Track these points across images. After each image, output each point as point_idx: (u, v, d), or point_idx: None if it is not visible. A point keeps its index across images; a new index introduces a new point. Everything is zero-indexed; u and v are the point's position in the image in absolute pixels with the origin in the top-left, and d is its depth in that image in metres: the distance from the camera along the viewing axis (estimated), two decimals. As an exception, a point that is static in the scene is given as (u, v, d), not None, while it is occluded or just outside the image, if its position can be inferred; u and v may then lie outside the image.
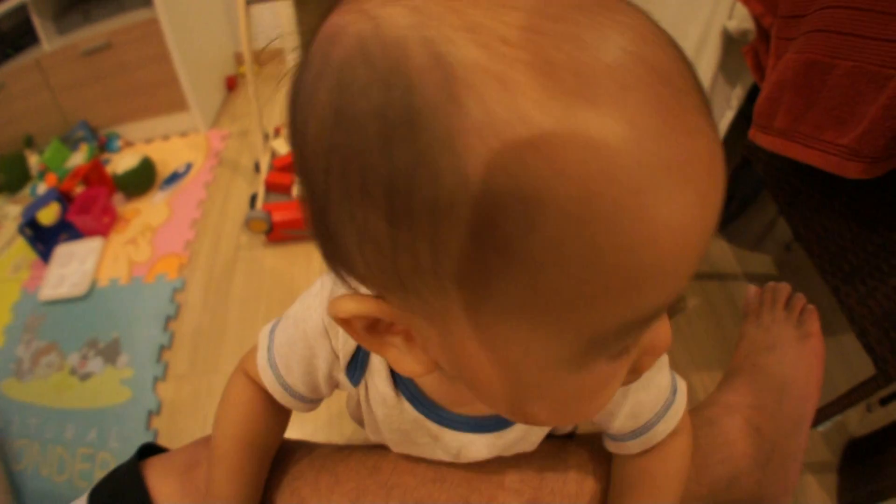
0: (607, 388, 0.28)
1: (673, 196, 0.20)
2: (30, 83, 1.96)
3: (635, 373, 0.29)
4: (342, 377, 0.42)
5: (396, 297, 0.26)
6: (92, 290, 1.55)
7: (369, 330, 0.29)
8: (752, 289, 0.79)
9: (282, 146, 1.64)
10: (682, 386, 0.45)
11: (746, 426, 0.60)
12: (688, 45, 1.17)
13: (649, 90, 0.20)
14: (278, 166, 1.57)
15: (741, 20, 0.98)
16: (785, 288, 0.77)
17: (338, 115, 0.22)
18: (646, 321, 0.24)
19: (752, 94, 1.08)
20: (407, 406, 0.41)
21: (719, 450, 0.57)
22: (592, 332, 0.23)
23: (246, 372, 0.48)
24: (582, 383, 0.26)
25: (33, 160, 2.04)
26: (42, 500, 1.19)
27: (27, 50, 1.99)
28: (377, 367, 0.40)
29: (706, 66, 1.12)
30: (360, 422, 0.48)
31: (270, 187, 1.53)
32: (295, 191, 1.51)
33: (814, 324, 0.74)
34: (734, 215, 1.40)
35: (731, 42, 1.06)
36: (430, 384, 0.40)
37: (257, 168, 1.72)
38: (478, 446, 0.42)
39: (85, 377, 1.38)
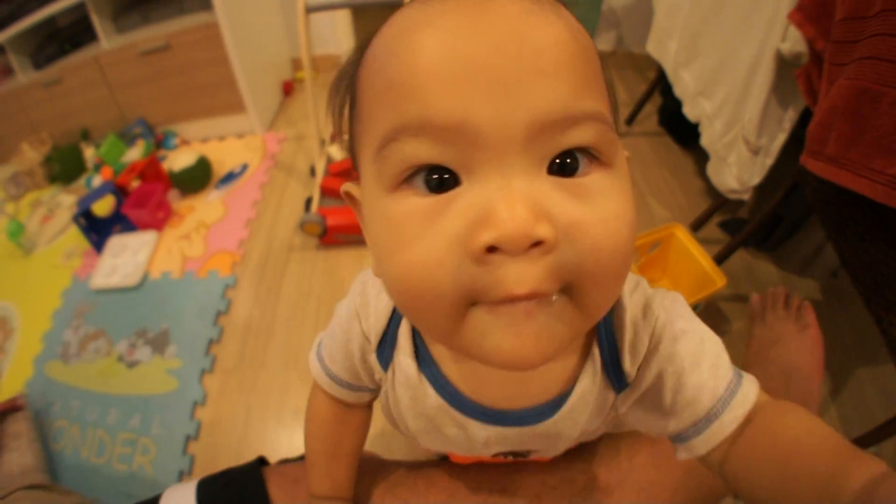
0: (407, 236, 0.27)
1: (434, 32, 0.26)
2: (87, 79, 2.03)
3: (469, 250, 0.25)
4: (373, 360, 0.43)
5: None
6: (144, 281, 1.58)
7: (355, 204, 0.36)
8: (756, 296, 0.91)
9: (337, 152, 1.68)
10: (749, 376, 0.38)
11: None
12: (741, 67, 1.20)
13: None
14: (333, 171, 1.60)
15: (794, 42, 0.99)
16: (782, 290, 0.88)
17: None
18: (417, 128, 0.26)
19: (804, 118, 1.08)
20: (430, 391, 0.40)
21: None
22: (380, 138, 0.27)
23: (318, 385, 0.51)
24: (394, 214, 0.27)
25: (89, 153, 2.10)
26: (78, 479, 1.21)
27: (85, 47, 2.08)
28: (403, 344, 0.41)
29: (759, 87, 1.13)
30: (392, 420, 0.48)
31: (325, 192, 1.57)
32: (350, 196, 1.54)
33: (810, 316, 0.86)
34: (783, 238, 1.39)
35: (784, 65, 1.07)
36: (448, 364, 0.40)
37: (312, 172, 1.75)
38: (505, 439, 0.41)
39: (132, 365, 1.40)
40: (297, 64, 2.51)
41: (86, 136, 2.14)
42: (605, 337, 0.37)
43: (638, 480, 0.55)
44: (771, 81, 1.10)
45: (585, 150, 0.26)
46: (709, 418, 0.35)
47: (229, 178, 1.88)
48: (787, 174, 1.09)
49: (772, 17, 1.05)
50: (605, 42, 2.36)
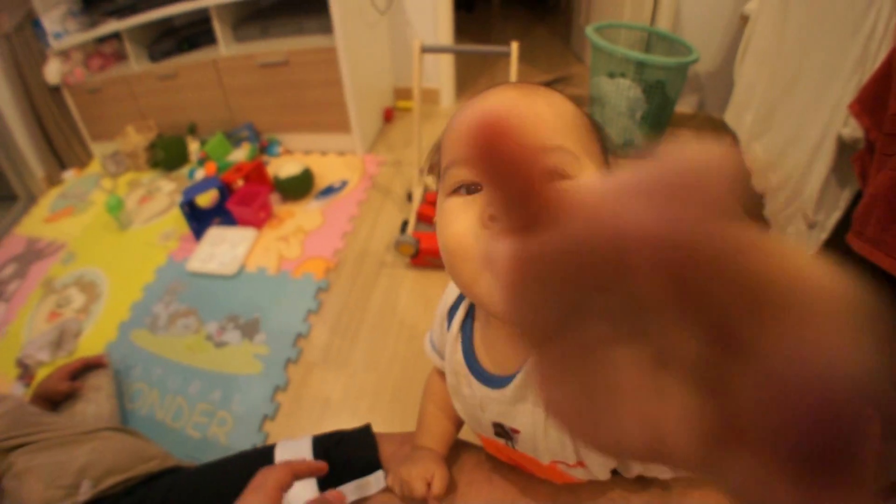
0: (447, 219, 0.42)
1: (471, 112, 0.42)
2: (203, 78, 2.20)
3: (481, 220, 0.40)
4: (445, 320, 0.59)
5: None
6: (240, 272, 1.71)
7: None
8: None
9: (434, 182, 1.81)
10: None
11: None
12: (807, 145, 1.29)
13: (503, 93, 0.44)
14: (430, 200, 1.74)
15: (854, 129, 1.08)
16: None
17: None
18: (460, 162, 0.41)
19: (856, 200, 1.15)
20: (459, 348, 0.55)
21: None
22: (444, 167, 0.43)
23: (434, 395, 0.69)
24: (448, 207, 0.42)
25: (193, 147, 2.26)
26: (149, 434, 1.29)
27: (201, 48, 2.25)
28: (458, 315, 0.56)
29: (821, 166, 1.22)
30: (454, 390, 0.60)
31: (420, 217, 1.69)
32: (443, 225, 1.67)
33: None
34: None
35: (844, 148, 1.15)
36: (477, 333, 0.54)
37: (409, 198, 1.88)
38: (490, 401, 0.53)
39: (220, 345, 1.50)
40: (398, 93, 2.67)
41: (192, 130, 2.30)
42: None
43: None
44: (831, 162, 1.19)
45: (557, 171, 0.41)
46: None
47: (329, 191, 2.02)
48: (837, 250, 1.19)
49: (837, 103, 1.14)
50: (688, 105, 2.46)
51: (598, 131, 0.46)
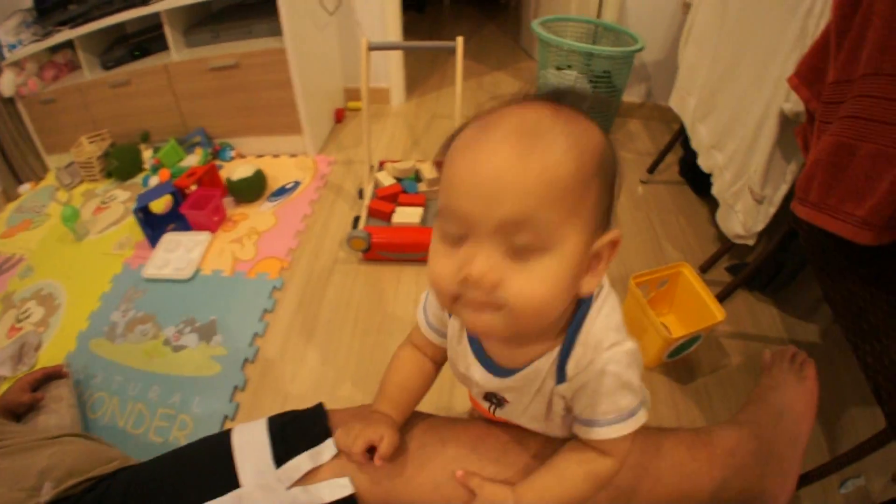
0: (434, 260, 0.49)
1: (464, 163, 0.45)
2: (155, 85, 2.19)
3: (456, 279, 0.46)
4: (446, 315, 0.67)
5: None
6: (195, 276, 1.72)
7: None
8: (767, 353, 1.07)
9: (385, 178, 1.84)
10: (638, 421, 0.57)
11: (749, 434, 0.86)
12: (750, 123, 1.33)
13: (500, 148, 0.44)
14: (381, 195, 1.76)
15: (795, 103, 1.12)
16: (791, 348, 1.04)
17: None
18: (450, 213, 0.45)
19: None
20: (464, 338, 0.63)
21: (727, 446, 0.82)
22: (439, 208, 0.47)
23: (410, 341, 0.75)
24: (437, 248, 0.48)
25: (147, 154, 2.25)
26: (113, 441, 1.29)
27: (153, 55, 2.24)
28: None
29: (765, 142, 1.26)
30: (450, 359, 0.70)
31: (372, 213, 1.72)
32: (393, 218, 1.70)
33: (810, 370, 1.02)
34: (785, 283, 1.49)
35: (786, 122, 1.19)
36: None
37: (360, 194, 1.91)
38: (477, 373, 0.63)
39: (178, 349, 1.51)
40: (349, 94, 2.69)
41: (146, 138, 2.29)
42: (566, 347, 0.55)
43: (680, 469, 0.76)
44: (775, 137, 1.22)
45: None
46: (590, 424, 0.57)
47: (281, 192, 2.04)
48: (786, 223, 1.22)
49: (778, 80, 1.18)
50: (636, 94, 2.53)
51: (604, 177, 0.48)
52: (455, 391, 1.30)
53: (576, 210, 0.45)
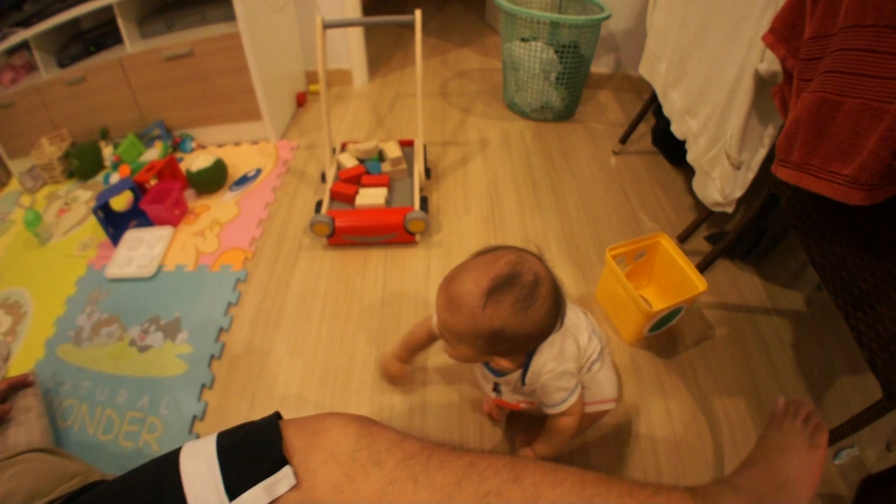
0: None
1: (442, 304, 0.85)
2: (111, 80, 2.12)
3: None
4: None
5: None
6: (159, 272, 1.67)
7: None
8: (781, 400, 0.93)
9: (347, 160, 1.78)
10: (570, 401, 0.96)
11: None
12: (724, 86, 1.29)
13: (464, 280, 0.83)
14: (343, 178, 1.71)
15: (770, 63, 1.08)
16: (808, 404, 0.91)
17: None
18: (442, 322, 0.86)
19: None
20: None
21: None
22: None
23: (429, 317, 1.15)
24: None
25: (107, 151, 2.19)
26: (84, 454, 1.24)
27: (109, 49, 2.17)
28: None
29: (740, 105, 1.22)
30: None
31: (335, 196, 1.67)
32: (357, 200, 1.64)
33: (822, 438, 0.88)
34: (766, 251, 1.48)
35: (762, 84, 1.15)
36: None
37: (323, 178, 1.85)
38: (503, 384, 1.03)
39: (144, 349, 1.48)
40: (310, 77, 2.63)
41: (105, 135, 2.22)
42: (524, 372, 0.96)
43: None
44: (750, 99, 1.18)
45: None
46: (547, 406, 0.99)
47: (243, 180, 1.98)
48: (765, 188, 1.19)
49: (751, 40, 1.14)
50: (605, 65, 2.49)
51: (496, 338, 0.82)
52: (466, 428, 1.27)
53: (466, 342, 0.88)
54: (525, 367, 0.94)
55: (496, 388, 1.05)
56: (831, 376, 1.27)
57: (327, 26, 1.68)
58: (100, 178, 2.15)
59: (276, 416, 0.71)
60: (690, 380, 1.27)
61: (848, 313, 0.91)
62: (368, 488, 0.63)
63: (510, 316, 0.79)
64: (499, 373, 0.99)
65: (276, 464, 0.64)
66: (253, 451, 0.67)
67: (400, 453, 0.67)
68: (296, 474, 0.64)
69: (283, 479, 0.63)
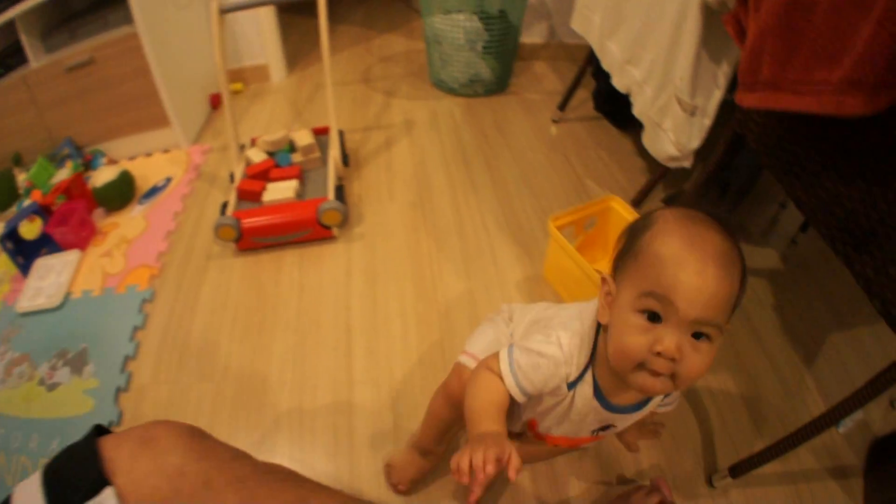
0: (629, 333, 0.60)
1: (686, 276, 0.57)
2: (17, 101, 1.99)
3: (651, 349, 0.58)
4: (563, 387, 0.73)
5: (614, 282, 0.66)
6: (65, 301, 1.54)
7: (607, 287, 0.67)
8: (662, 481, 0.95)
9: (255, 155, 1.64)
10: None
11: None
12: (666, 25, 1.15)
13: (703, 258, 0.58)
14: (250, 174, 1.57)
15: None
16: (656, 496, 0.93)
17: None
18: (660, 297, 0.57)
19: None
20: (596, 404, 0.73)
21: None
22: (645, 289, 0.59)
23: (489, 368, 0.77)
24: (631, 321, 0.60)
25: (21, 178, 2.06)
26: None
27: (16, 70, 2.02)
28: (587, 380, 0.72)
29: (687, 42, 1.09)
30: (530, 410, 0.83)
31: (241, 195, 1.53)
32: (264, 197, 1.50)
33: None
34: (732, 206, 1.38)
35: (710, 14, 1.02)
36: (604, 382, 0.72)
37: (232, 179, 1.72)
38: (604, 416, 0.76)
39: (52, 387, 1.36)
40: (232, 76, 2.49)
41: (18, 161, 2.10)
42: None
43: None
44: (699, 34, 1.07)
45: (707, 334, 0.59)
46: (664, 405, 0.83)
47: (153, 192, 1.84)
48: (723, 135, 1.04)
49: None
50: (537, 35, 2.39)
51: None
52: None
53: (732, 313, 0.61)
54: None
55: (604, 429, 0.82)
56: (820, 338, 1.16)
57: (225, 11, 1.56)
58: (15, 207, 2.03)
59: (94, 432, 0.62)
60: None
61: (850, 258, 0.76)
62: None
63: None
64: (617, 407, 0.75)
65: (96, 485, 0.57)
66: (72, 475, 0.59)
67: (230, 474, 0.62)
68: (120, 492, 0.57)
69: (105, 502, 0.56)
